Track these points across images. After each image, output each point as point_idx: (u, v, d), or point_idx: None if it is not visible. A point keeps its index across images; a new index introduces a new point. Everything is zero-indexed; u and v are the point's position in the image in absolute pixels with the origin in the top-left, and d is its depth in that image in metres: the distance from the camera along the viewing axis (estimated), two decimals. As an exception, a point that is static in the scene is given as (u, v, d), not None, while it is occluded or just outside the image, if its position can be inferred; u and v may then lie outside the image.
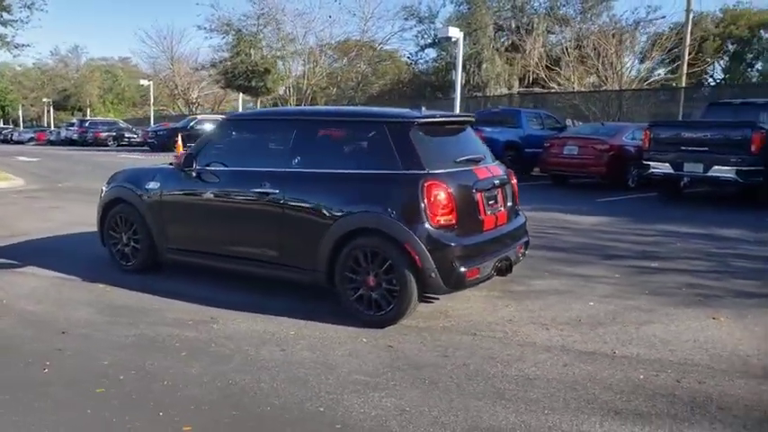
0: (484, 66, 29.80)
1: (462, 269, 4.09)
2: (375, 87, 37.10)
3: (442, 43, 31.01)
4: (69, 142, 33.65)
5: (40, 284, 5.23)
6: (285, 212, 4.51)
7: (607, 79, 28.77)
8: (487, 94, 29.32)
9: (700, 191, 12.07)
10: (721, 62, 38.64)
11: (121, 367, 3.53)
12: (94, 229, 7.39)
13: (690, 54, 26.45)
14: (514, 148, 14.32)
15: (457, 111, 22.34)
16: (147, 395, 3.19)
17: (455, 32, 21.48)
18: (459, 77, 22.53)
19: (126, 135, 34.01)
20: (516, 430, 2.83)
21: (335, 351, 3.80)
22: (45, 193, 11.68)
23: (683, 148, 10.58)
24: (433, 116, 4.46)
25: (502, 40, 33.39)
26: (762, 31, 36.37)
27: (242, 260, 4.82)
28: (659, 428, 2.84)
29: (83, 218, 8.42)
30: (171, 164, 5.60)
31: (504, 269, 4.54)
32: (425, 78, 33.63)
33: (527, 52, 30.96)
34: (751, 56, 37.83)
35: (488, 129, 13.52)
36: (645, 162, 11.21)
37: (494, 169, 4.71)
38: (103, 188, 5.83)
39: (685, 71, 23.28)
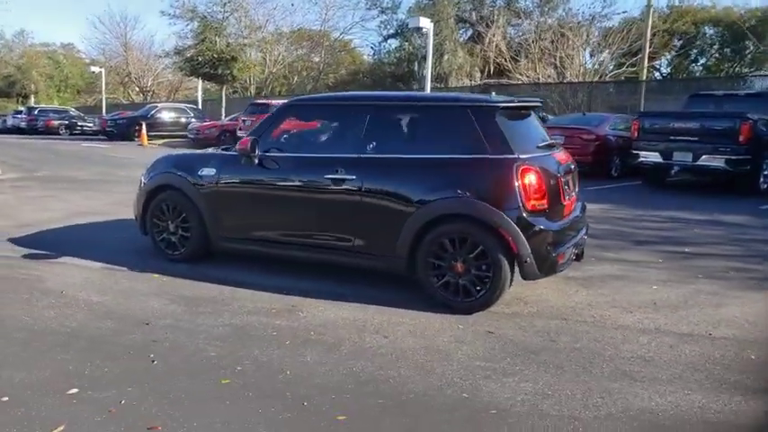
0: (446, 57, 29.97)
1: (554, 254, 4.13)
2: (332, 78, 36.82)
3: (405, 33, 31.00)
4: (17, 131, 31.92)
5: (90, 275, 4.97)
6: (362, 199, 4.43)
7: (565, 71, 29.54)
8: (450, 85, 29.52)
9: (680, 180, 12.54)
10: (667, 56, 40.16)
11: (232, 358, 3.40)
12: (104, 218, 7.21)
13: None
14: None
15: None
16: (276, 386, 3.09)
17: (426, 23, 21.49)
18: (429, 68, 22.57)
19: (79, 123, 32.54)
20: (669, 411, 2.89)
21: (439, 338, 3.77)
22: (30, 182, 11.06)
23: (673, 137, 10.97)
24: (512, 101, 4.46)
25: (462, 31, 33.71)
26: (705, 27, 37.92)
27: (314, 248, 4.71)
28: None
29: (84, 207, 8.13)
30: (224, 149, 5.41)
31: (579, 254, 4.60)
32: (386, 69, 33.55)
33: (488, 44, 31.38)
34: (695, 51, 39.39)
35: None
36: (634, 151, 11.56)
37: (567, 155, 4.76)
38: (143, 176, 5.59)
39: (646, 64, 24.09)
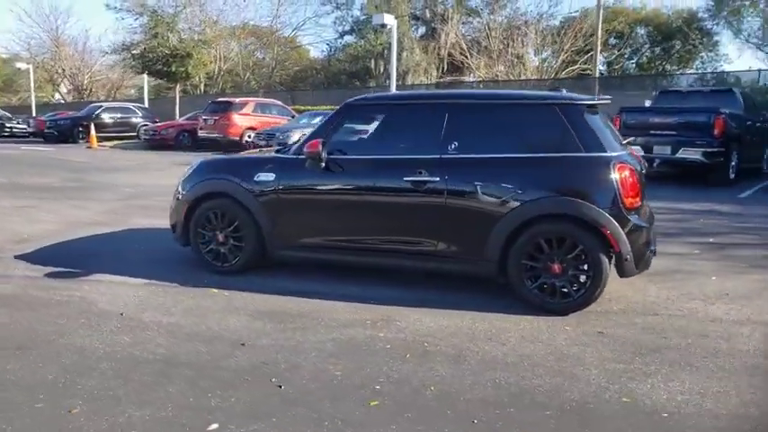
0: (404, 54, 30.00)
1: (648, 251, 4.13)
2: (283, 75, 36.17)
3: (362, 30, 30.82)
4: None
5: (140, 293, 4.60)
6: (447, 202, 4.28)
7: (515, 69, 30.22)
8: (407, 83, 29.59)
9: (651, 171, 12.97)
10: (605, 55, 41.74)
11: (361, 376, 3.21)
12: (109, 228, 6.77)
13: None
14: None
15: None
16: (430, 404, 2.92)
17: (390, 19, 21.44)
18: (394, 65, 22.51)
19: (7, 125, 30.47)
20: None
21: (556, 341, 3.69)
22: (-5, 192, 10.22)
23: (652, 132, 11.34)
24: (593, 99, 4.41)
25: (414, 29, 33.84)
26: (638, 27, 39.56)
27: (391, 254, 4.53)
28: None
29: (79, 218, 7.64)
30: (277, 151, 5.13)
31: (655, 250, 4.63)
32: (341, 66, 33.27)
33: (443, 42, 31.65)
34: (629, 50, 41.05)
35: None
36: None
37: (636, 152, 4.78)
38: (180, 184, 5.22)
39: (597, 61, 24.90)
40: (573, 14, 33.51)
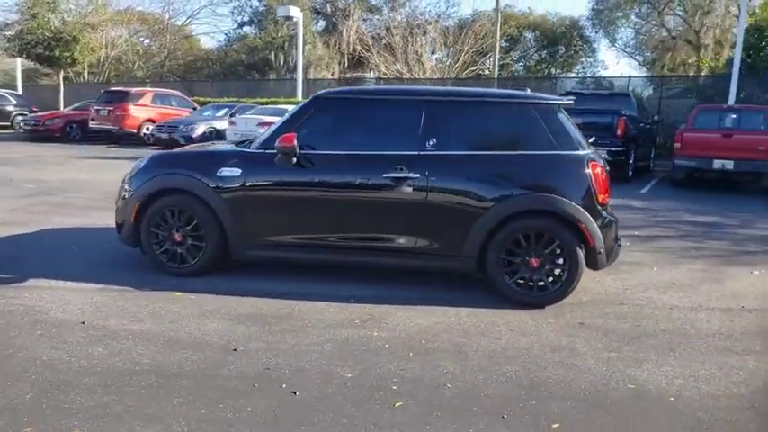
0: (306, 48, 29.56)
1: (617, 244, 4.37)
2: (173, 65, 34.46)
3: (262, 21, 30.01)
4: None
5: (96, 298, 4.19)
6: (427, 198, 4.28)
7: (414, 67, 30.86)
8: (310, 77, 29.24)
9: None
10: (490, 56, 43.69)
11: (372, 377, 3.13)
12: (22, 230, 6.18)
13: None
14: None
15: (299, 93, 22.01)
16: (453, 401, 2.91)
17: (296, 12, 21.11)
18: (300, 59, 22.28)
19: None
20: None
21: (544, 334, 3.80)
22: None
23: None
24: (563, 100, 4.57)
25: (314, 23, 33.50)
26: (526, 32, 41.75)
27: (368, 252, 4.45)
28: None
29: None
30: (237, 144, 4.86)
31: (620, 243, 4.87)
32: (237, 57, 32.22)
33: (344, 37, 31.60)
34: (518, 53, 43.21)
35: None
36: None
37: None
38: (127, 181, 4.82)
39: (497, 63, 26.00)
40: (468, 17, 34.71)
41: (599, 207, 4.21)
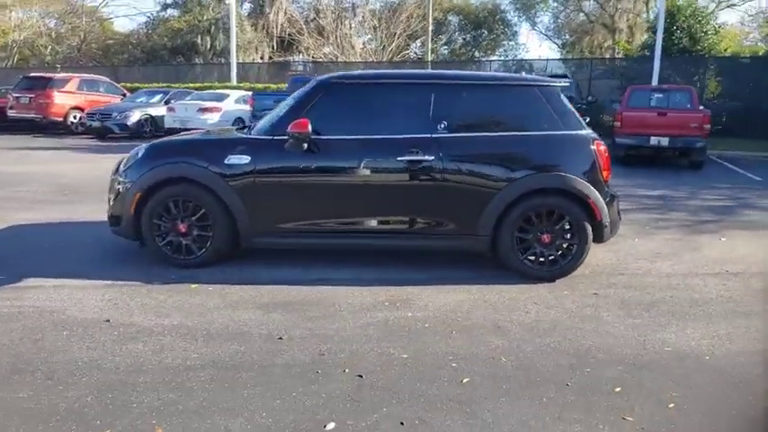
0: (234, 31, 28.67)
1: (620, 217, 4.63)
2: (91, 49, 32.57)
3: (187, 4, 28.79)
4: None
5: (108, 295, 3.99)
6: (441, 180, 4.36)
7: (343, 50, 30.70)
8: (240, 60, 28.42)
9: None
10: (422, 40, 44.10)
11: (432, 355, 3.19)
12: None
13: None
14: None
15: (234, 77, 21.40)
16: (515, 373, 3.03)
17: (228, -7, 20.45)
18: (233, 42, 21.69)
19: None
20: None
21: (567, 306, 3.98)
22: None
23: None
24: (560, 82, 4.73)
25: (240, 4, 32.51)
26: (450, 16, 42.30)
27: (384, 235, 4.49)
28: None
29: None
30: (240, 129, 4.73)
31: (621, 217, 5.10)
32: (161, 41, 30.82)
33: (272, 19, 30.92)
34: (446, 36, 43.75)
35: None
36: None
37: None
38: (122, 173, 4.61)
39: (430, 46, 26.27)
40: (396, 1, 34.68)
41: (604, 183, 4.44)
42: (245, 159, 4.41)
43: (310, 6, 32.41)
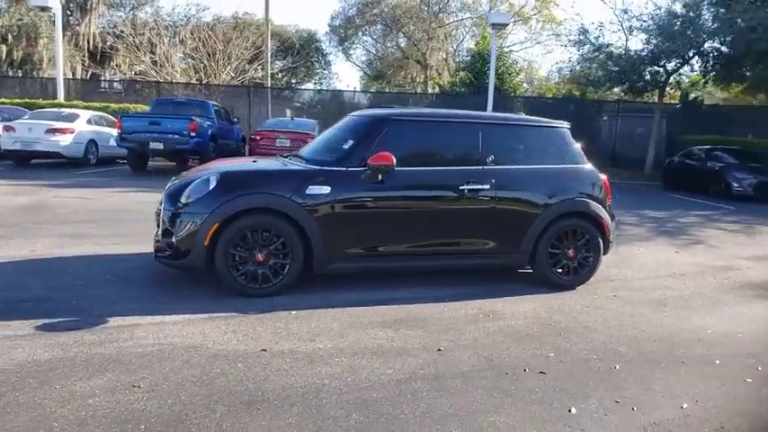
0: (41, 42, 25.82)
1: (615, 234, 5.77)
2: None
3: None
4: None
5: (230, 327, 3.94)
6: (495, 206, 5.07)
7: (162, 69, 29.49)
8: (44, 75, 25.62)
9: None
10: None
11: (567, 353, 3.86)
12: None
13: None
14: (214, 137, 14.37)
15: (61, 94, 19.35)
16: (633, 358, 3.85)
17: (54, 1, 18.79)
18: (60, 54, 19.89)
19: None
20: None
21: (606, 307, 4.92)
22: None
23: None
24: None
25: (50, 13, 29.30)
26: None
27: (449, 256, 5.03)
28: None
29: None
30: (293, 156, 4.89)
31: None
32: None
33: (82, 31, 28.43)
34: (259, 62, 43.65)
35: (185, 119, 13.29)
36: None
37: None
38: (194, 203, 4.52)
39: (269, 71, 26.43)
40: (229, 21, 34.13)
41: (608, 207, 5.53)
42: (326, 189, 4.64)
43: (126, 21, 30.36)
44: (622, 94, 22.38)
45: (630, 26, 19.88)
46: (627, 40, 21.05)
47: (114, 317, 4.01)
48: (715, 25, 17.97)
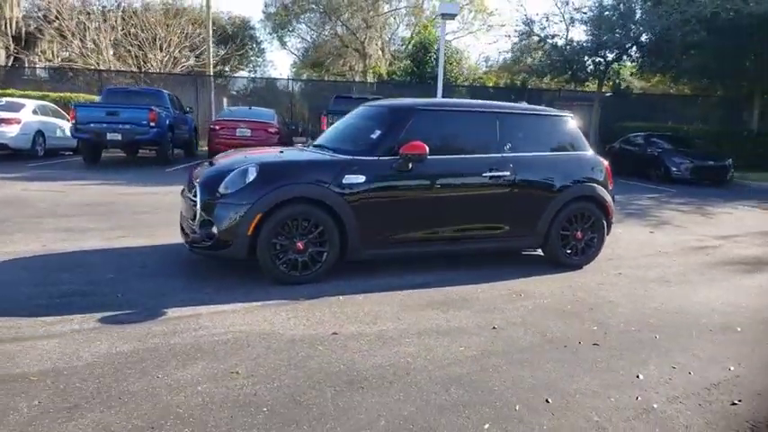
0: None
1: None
2: None
3: None
4: None
5: (285, 314, 4.00)
6: (513, 191, 5.33)
7: (90, 54, 28.24)
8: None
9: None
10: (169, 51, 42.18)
11: (606, 326, 4.20)
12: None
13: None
14: (171, 127, 13.97)
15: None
16: (659, 328, 4.23)
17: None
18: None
19: None
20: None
21: (618, 285, 5.29)
22: None
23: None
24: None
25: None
26: (199, 28, 41.42)
27: (471, 240, 5.26)
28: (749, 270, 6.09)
29: None
30: (316, 146, 4.98)
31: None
32: None
33: (7, 16, 26.68)
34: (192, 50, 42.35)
35: (145, 108, 12.83)
36: None
37: None
38: (235, 194, 4.53)
39: (211, 60, 25.74)
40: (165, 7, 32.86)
41: (610, 191, 5.92)
42: (361, 179, 4.76)
43: (50, 5, 28.63)
44: (564, 84, 23.33)
45: (572, 18, 20.76)
46: (568, 31, 21.98)
47: (171, 308, 4.00)
48: (645, 18, 19.07)
